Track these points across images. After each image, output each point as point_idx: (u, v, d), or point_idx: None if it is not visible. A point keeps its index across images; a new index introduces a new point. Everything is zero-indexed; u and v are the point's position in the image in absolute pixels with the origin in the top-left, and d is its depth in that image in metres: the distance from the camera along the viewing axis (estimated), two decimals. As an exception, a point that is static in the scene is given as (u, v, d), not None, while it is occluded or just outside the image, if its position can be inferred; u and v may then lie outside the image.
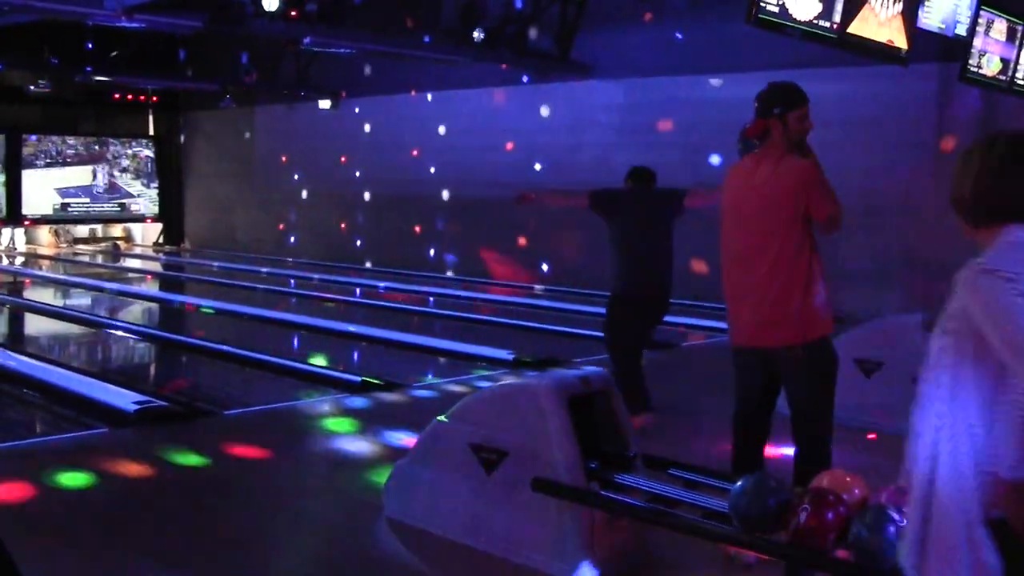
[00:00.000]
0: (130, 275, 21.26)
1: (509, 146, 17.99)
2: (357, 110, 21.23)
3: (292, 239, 23.40)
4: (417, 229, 20.11)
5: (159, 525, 5.35)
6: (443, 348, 11.27)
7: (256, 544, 5.10)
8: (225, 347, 10.84)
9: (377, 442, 7.11)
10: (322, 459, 6.90)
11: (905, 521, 3.39)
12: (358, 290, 17.23)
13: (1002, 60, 10.61)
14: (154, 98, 25.92)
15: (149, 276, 21.70)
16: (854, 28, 8.11)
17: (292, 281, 18.74)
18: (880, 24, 8.43)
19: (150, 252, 25.97)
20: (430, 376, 9.77)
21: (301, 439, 7.38)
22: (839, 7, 7.90)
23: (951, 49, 10.78)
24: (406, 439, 6.01)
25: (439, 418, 5.17)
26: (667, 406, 7.77)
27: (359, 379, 9.01)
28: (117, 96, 24.91)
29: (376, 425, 7.77)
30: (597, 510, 4.51)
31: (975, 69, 10.24)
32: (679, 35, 15.33)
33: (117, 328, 13.29)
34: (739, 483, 3.93)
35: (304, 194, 22.88)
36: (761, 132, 4.93)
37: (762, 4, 7.31)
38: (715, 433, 6.65)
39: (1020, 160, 2.59)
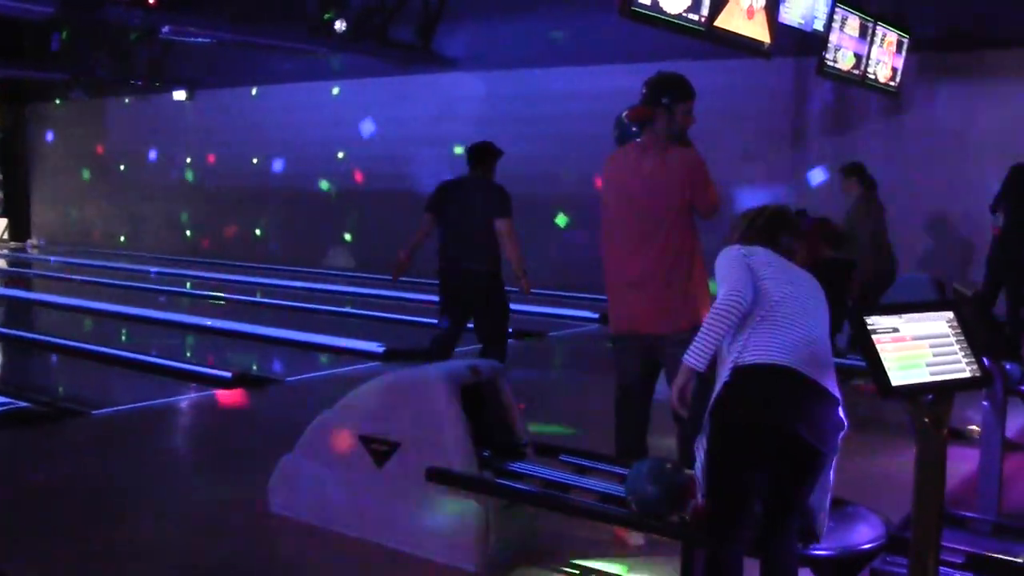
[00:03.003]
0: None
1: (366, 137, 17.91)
2: (213, 102, 20.80)
3: (146, 234, 22.81)
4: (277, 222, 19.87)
5: (29, 534, 5.10)
6: (312, 342, 11.14)
7: (134, 547, 4.94)
8: (85, 345, 10.51)
9: (254, 437, 6.98)
10: (200, 457, 6.76)
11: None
12: (215, 285, 16.87)
13: (855, 55, 11.03)
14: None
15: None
16: (721, 21, 8.33)
17: (148, 276, 18.26)
18: (745, 18, 8.67)
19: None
20: (297, 370, 9.60)
21: (176, 437, 7.21)
22: (707, 1, 8.10)
23: (806, 44, 11.15)
24: (284, 433, 5.87)
25: (326, 410, 5.12)
26: (541, 393, 7.84)
27: (230, 375, 8.84)
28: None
29: (251, 420, 7.66)
30: (491, 498, 4.52)
31: (831, 63, 10.62)
32: (543, 27, 15.45)
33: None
34: (636, 467, 3.99)
35: (158, 188, 22.29)
36: (644, 119, 5.00)
37: (634, -3, 7.44)
38: (592, 419, 6.75)
39: None
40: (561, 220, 15.54)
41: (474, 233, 7.43)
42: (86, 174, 24.19)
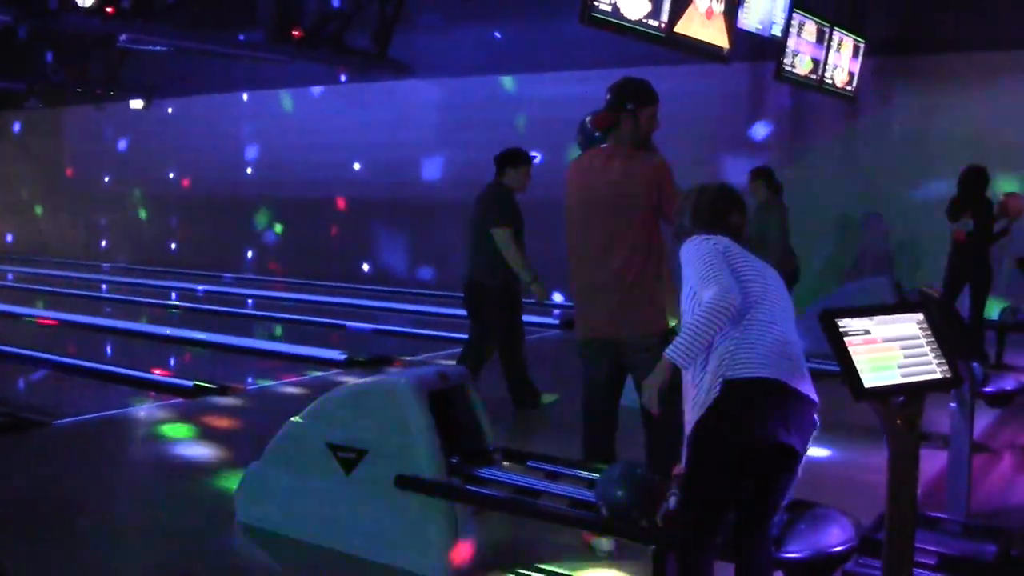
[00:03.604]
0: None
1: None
2: (170, 110, 20.63)
3: (104, 243, 22.58)
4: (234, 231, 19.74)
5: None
6: (272, 350, 11.08)
7: (102, 557, 4.89)
8: (44, 355, 10.36)
9: (219, 447, 6.91)
10: (164, 466, 6.66)
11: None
12: (174, 294, 16.73)
13: (813, 60, 11.12)
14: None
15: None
16: (680, 27, 8.36)
17: (104, 286, 18.09)
18: (704, 23, 8.71)
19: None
20: (258, 378, 9.52)
21: (139, 447, 7.13)
22: (666, 6, 8.14)
23: (761, 49, 11.23)
24: (248, 442, 5.83)
25: (293, 419, 5.07)
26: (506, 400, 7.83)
27: (191, 383, 8.75)
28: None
29: (215, 429, 7.57)
30: (459, 505, 4.50)
31: (789, 68, 10.70)
32: (498, 34, 15.46)
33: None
34: (607, 472, 3.99)
35: (116, 197, 22.08)
36: (609, 125, 5.00)
37: (595, 3, 7.46)
38: (556, 425, 6.75)
39: None
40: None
41: (472, 243, 7.47)
42: (42, 183, 23.90)
